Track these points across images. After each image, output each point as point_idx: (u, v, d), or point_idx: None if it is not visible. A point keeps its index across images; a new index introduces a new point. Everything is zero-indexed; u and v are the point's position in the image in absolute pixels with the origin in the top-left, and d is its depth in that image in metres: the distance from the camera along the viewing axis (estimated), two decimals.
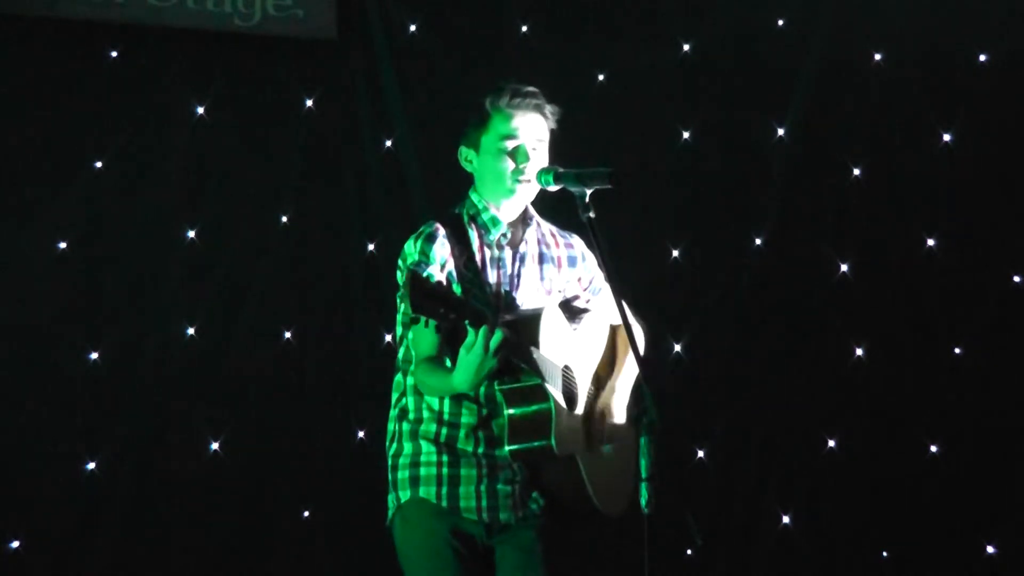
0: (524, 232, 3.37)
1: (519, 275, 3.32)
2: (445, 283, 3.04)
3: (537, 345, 3.14)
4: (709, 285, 5.40)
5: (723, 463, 5.33)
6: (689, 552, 5.14)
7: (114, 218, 4.98)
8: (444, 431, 3.24)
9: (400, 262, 3.29)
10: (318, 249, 5.16)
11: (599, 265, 3.47)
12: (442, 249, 3.23)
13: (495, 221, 3.32)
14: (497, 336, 2.96)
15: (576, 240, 3.49)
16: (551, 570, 3.25)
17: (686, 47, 5.45)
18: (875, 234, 5.45)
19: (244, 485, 4.97)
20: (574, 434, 3.23)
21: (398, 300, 3.31)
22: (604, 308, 3.51)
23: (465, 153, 3.35)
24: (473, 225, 3.32)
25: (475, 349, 2.97)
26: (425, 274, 3.03)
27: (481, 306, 3.06)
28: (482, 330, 2.96)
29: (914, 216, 5.45)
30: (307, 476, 5.03)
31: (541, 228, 3.43)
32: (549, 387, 3.13)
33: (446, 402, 3.24)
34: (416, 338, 3.22)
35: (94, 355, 4.89)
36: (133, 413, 4.91)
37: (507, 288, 3.29)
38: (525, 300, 3.30)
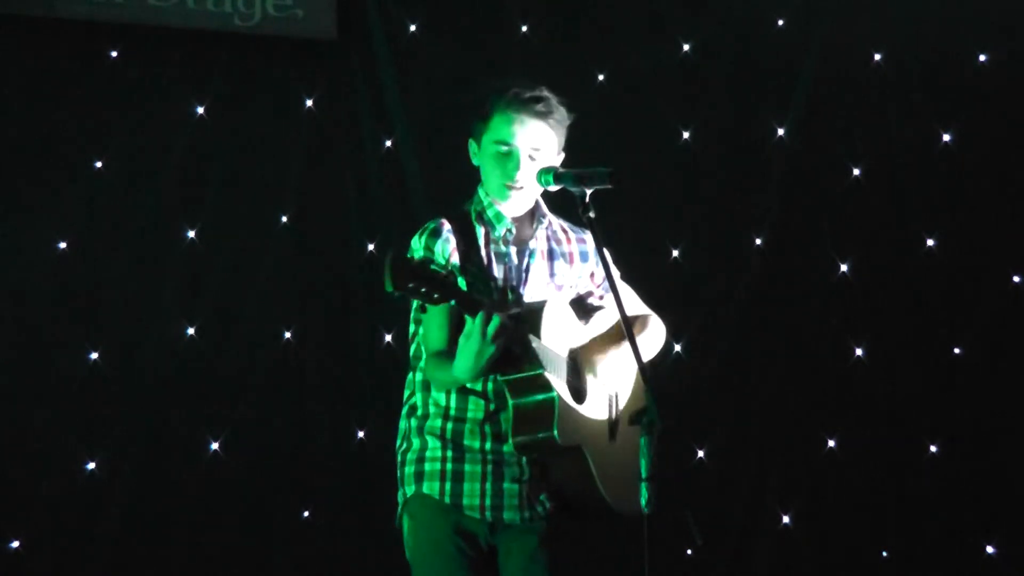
0: (533, 229, 3.35)
1: (527, 270, 3.30)
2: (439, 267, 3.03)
3: (539, 335, 3.13)
4: (709, 285, 5.40)
5: (723, 463, 5.33)
6: (689, 552, 5.14)
7: (114, 218, 4.98)
8: (450, 426, 3.22)
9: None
10: (318, 249, 5.16)
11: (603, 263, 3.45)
12: (446, 245, 3.23)
13: (499, 217, 3.31)
14: (495, 322, 2.97)
15: (589, 236, 3.45)
16: None
17: (686, 47, 5.44)
18: (875, 234, 5.45)
19: (244, 485, 4.96)
20: (580, 426, 3.19)
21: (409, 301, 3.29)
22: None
23: (472, 146, 3.36)
24: (480, 222, 3.31)
25: (473, 336, 2.98)
26: (412, 255, 3.03)
27: (478, 295, 3.06)
28: (479, 316, 2.97)
29: (914, 216, 5.45)
30: (307, 476, 5.03)
31: (552, 225, 3.41)
32: (551, 377, 3.11)
33: (452, 397, 3.23)
34: (425, 333, 3.22)
35: (94, 355, 4.89)
36: (133, 413, 4.91)
37: (514, 283, 3.27)
38: (533, 295, 3.29)
